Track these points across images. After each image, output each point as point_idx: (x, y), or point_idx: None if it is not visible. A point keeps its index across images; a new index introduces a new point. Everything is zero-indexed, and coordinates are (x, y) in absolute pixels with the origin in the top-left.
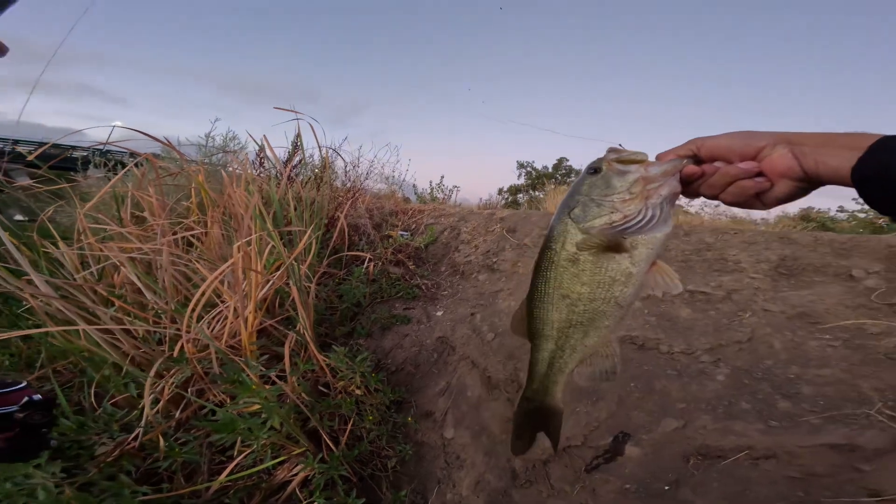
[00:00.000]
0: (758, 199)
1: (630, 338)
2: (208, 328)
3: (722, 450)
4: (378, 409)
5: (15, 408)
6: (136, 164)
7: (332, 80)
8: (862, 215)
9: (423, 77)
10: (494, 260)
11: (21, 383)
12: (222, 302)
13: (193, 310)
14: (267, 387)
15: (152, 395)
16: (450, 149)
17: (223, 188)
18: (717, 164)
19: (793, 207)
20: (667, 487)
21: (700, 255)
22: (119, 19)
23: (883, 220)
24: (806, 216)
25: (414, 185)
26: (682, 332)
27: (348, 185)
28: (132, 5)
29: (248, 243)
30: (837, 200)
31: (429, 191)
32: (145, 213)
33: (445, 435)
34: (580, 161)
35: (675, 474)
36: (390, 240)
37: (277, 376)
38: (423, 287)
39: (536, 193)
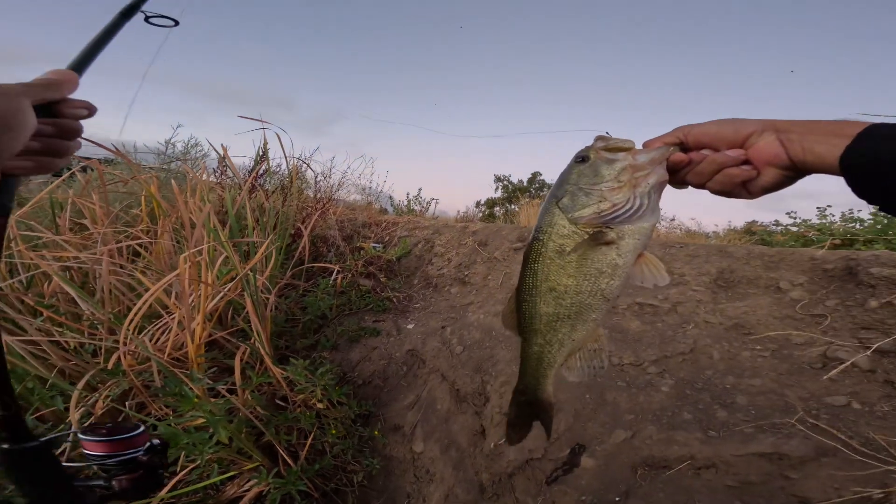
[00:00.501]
0: (744, 188)
1: None
2: (151, 340)
3: (667, 460)
4: (343, 422)
5: (141, 450)
6: (82, 170)
7: (308, 87)
8: (794, 229)
9: (407, 86)
10: (466, 273)
11: (140, 427)
12: (168, 313)
13: (132, 321)
14: (214, 400)
15: (83, 409)
16: (431, 161)
17: (175, 197)
18: (704, 151)
19: (739, 221)
20: (618, 499)
21: None
22: (82, 16)
23: (813, 234)
24: (748, 229)
25: (391, 197)
26: (632, 344)
27: (319, 195)
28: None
29: (199, 253)
30: (776, 214)
31: (406, 203)
32: (86, 221)
33: (415, 449)
34: (552, 175)
35: (625, 485)
36: (361, 252)
37: (228, 390)
38: (395, 300)
39: (512, 207)
